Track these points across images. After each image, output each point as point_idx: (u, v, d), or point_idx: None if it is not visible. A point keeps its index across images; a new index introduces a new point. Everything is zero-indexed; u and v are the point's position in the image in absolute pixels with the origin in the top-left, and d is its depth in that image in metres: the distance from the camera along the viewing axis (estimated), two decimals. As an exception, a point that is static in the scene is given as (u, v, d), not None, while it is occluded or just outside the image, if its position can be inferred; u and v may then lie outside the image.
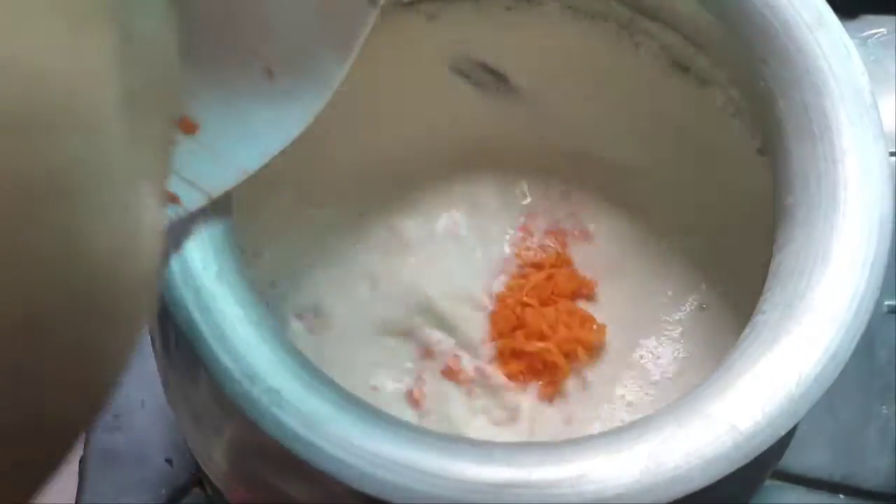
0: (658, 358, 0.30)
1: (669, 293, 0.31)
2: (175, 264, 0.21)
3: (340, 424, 0.20)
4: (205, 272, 0.21)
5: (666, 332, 0.31)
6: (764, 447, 0.20)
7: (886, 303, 0.35)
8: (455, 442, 0.20)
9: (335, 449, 0.19)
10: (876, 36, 0.43)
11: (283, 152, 0.22)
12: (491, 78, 0.33)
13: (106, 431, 0.36)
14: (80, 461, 0.36)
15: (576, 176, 0.33)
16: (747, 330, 0.23)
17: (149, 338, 0.30)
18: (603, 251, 0.32)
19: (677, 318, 0.31)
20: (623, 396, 0.30)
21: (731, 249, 0.31)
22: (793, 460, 0.34)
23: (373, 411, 0.20)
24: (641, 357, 0.30)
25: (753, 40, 0.26)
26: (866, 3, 0.43)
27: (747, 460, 0.20)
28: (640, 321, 0.31)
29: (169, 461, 0.35)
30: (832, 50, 0.24)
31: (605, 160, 0.33)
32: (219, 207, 0.23)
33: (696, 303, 0.31)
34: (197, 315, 0.21)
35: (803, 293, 0.22)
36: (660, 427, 0.20)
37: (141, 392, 0.36)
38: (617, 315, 0.31)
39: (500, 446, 0.20)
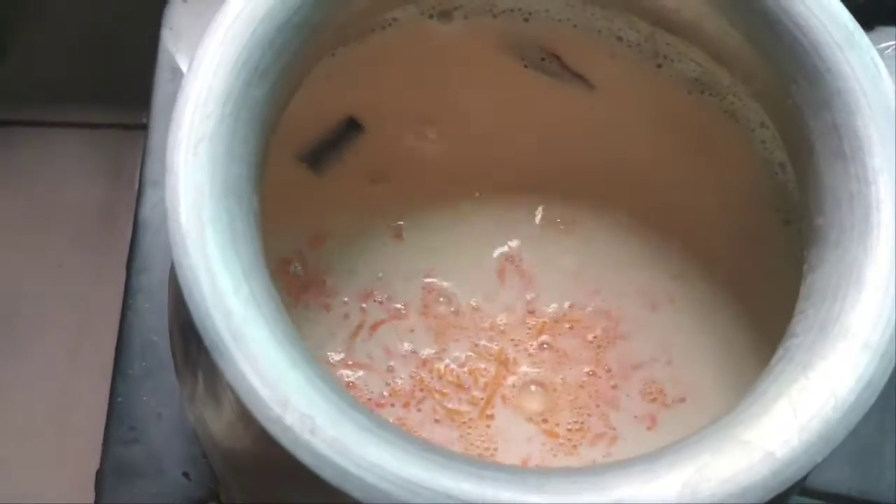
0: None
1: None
2: (205, 285, 0.21)
3: (374, 451, 0.20)
4: (236, 295, 0.21)
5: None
6: (801, 474, 0.20)
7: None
8: (489, 468, 0.20)
9: (369, 476, 0.19)
10: (892, 48, 0.43)
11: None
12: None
13: (123, 444, 0.36)
14: (96, 474, 0.36)
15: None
16: (780, 352, 0.23)
17: (168, 351, 0.30)
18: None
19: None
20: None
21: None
22: (812, 476, 0.34)
23: (406, 437, 0.20)
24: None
25: (783, 60, 0.26)
26: (881, 15, 0.43)
27: (784, 488, 0.20)
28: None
29: (186, 475, 0.35)
30: (863, 70, 0.24)
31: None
32: (249, 226, 0.22)
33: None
34: (228, 339, 0.21)
35: (837, 317, 0.22)
36: (695, 454, 0.20)
37: (158, 404, 0.36)
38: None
39: (535, 473, 0.20)
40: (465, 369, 0.30)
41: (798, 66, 0.25)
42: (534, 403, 0.29)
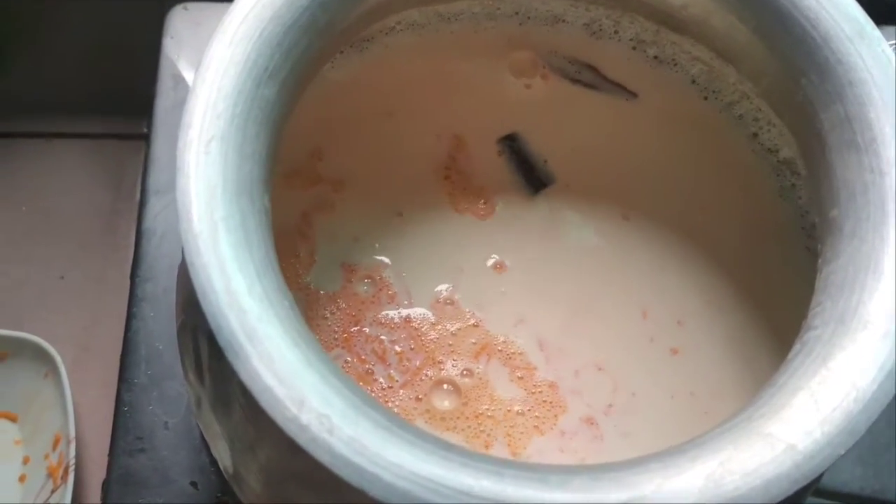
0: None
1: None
2: (218, 284, 0.21)
3: (393, 449, 0.19)
4: (249, 294, 0.21)
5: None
6: (824, 467, 0.20)
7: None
8: (509, 466, 0.20)
9: (388, 475, 0.19)
10: (892, 46, 0.43)
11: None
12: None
13: (129, 454, 0.35)
14: (102, 484, 0.35)
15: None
16: (798, 346, 0.22)
17: (174, 359, 0.29)
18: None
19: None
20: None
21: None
22: (825, 476, 0.34)
23: (424, 435, 0.20)
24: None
25: (793, 54, 0.25)
26: (881, 14, 0.43)
27: (807, 481, 0.20)
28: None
29: (194, 484, 0.35)
30: (874, 61, 0.24)
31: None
32: (260, 224, 0.22)
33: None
34: (242, 338, 0.20)
35: (855, 308, 0.22)
36: (717, 448, 0.20)
37: (165, 413, 0.36)
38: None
39: (556, 470, 0.20)
40: (397, 348, 0.29)
41: (809, 59, 0.25)
42: (445, 402, 0.29)
